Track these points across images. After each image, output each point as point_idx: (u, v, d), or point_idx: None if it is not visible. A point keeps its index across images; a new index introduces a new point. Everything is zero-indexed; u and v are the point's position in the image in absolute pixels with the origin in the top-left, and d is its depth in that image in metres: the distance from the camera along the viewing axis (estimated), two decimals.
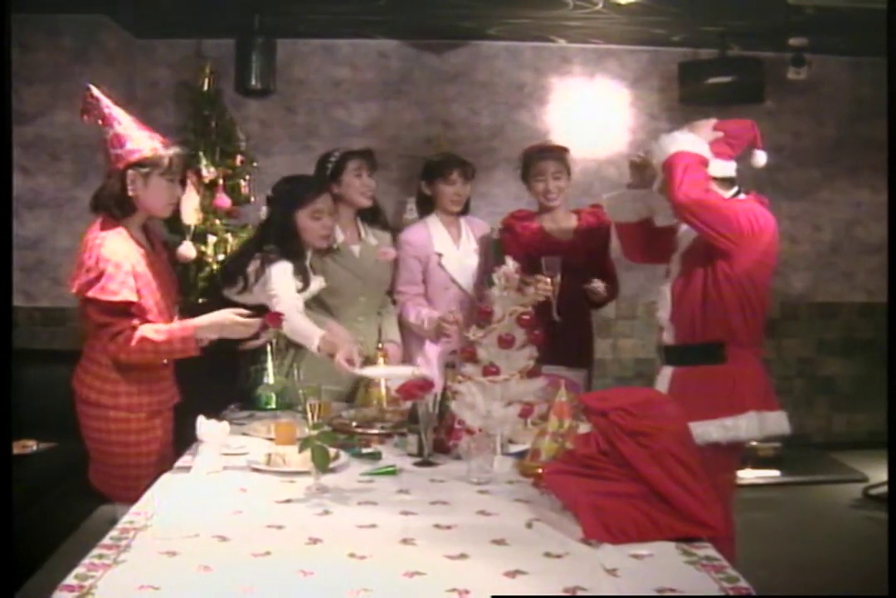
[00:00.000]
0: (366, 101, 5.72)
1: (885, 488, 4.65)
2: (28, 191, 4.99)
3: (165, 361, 2.79)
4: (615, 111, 5.84)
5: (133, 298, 2.56)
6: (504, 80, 5.78)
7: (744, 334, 2.82)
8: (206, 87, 5.20)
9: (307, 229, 3.22)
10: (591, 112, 5.80)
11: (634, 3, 4.65)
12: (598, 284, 3.50)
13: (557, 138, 5.68)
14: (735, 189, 2.87)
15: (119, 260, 2.55)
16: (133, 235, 2.68)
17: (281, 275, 3.13)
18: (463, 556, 1.85)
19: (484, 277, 3.63)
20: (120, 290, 2.53)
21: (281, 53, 5.25)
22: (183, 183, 2.77)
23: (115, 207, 2.61)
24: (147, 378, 2.74)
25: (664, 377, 2.92)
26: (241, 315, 2.71)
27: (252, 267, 3.14)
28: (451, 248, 3.65)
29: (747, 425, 2.78)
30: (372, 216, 3.57)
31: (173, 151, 2.70)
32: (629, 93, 5.85)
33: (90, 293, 2.54)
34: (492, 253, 3.71)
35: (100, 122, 2.63)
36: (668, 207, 2.85)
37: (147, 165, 2.61)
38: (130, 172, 2.59)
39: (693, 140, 2.78)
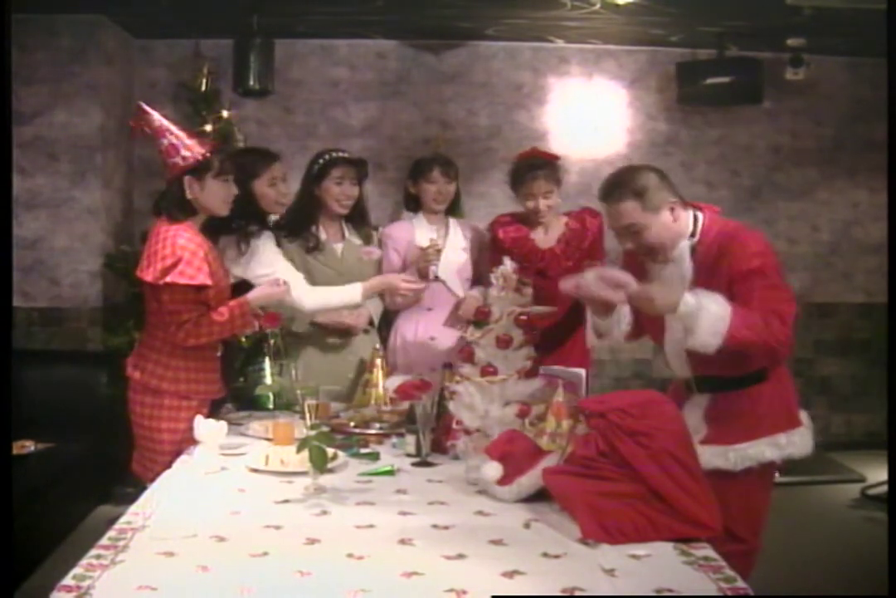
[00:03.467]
0: (364, 101, 5.72)
1: (883, 489, 4.66)
2: (26, 191, 4.97)
3: (219, 352, 2.98)
4: (613, 111, 5.84)
5: (209, 281, 2.75)
6: (502, 80, 5.78)
7: (786, 353, 2.47)
8: (204, 88, 5.21)
9: (264, 196, 3.30)
10: (589, 112, 5.80)
11: (632, 4, 4.64)
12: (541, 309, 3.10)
13: (555, 139, 5.70)
14: (691, 212, 2.51)
15: (194, 248, 2.74)
16: (198, 231, 2.87)
17: (271, 253, 3.25)
18: (461, 556, 1.85)
19: (472, 275, 3.64)
20: (197, 274, 2.71)
21: (279, 54, 5.24)
22: (236, 181, 2.94)
23: (177, 210, 2.80)
24: (203, 367, 2.89)
25: (696, 405, 2.59)
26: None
27: (224, 242, 3.15)
28: None
29: (801, 441, 2.59)
30: (358, 219, 3.57)
31: (222, 153, 2.92)
32: (627, 93, 5.85)
33: (169, 278, 2.69)
34: (487, 253, 3.69)
35: (152, 133, 2.82)
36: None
37: (200, 169, 2.79)
38: (187, 177, 2.78)
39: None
